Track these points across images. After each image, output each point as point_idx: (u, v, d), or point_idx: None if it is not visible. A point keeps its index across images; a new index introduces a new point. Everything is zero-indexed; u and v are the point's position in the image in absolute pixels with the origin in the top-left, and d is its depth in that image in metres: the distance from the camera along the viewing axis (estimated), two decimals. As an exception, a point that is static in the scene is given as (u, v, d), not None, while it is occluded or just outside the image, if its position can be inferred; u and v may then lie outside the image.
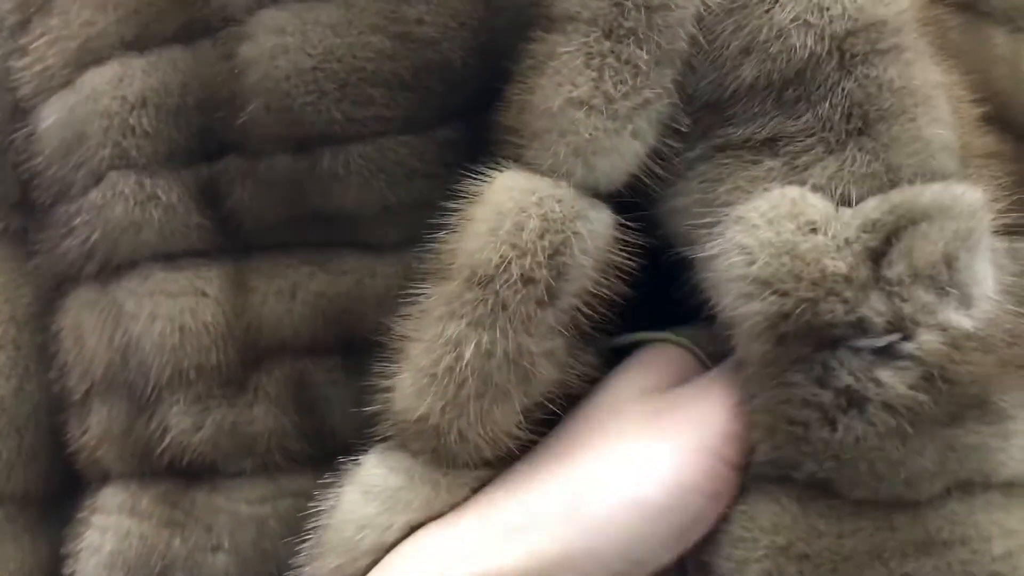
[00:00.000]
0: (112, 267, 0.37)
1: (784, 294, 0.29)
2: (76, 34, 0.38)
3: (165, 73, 0.36)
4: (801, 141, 0.31)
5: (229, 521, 0.36)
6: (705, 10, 0.31)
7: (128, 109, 0.36)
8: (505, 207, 0.31)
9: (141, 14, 0.36)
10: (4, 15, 0.42)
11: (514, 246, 0.30)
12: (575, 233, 0.31)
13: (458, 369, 0.30)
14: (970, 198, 0.30)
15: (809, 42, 0.31)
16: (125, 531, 0.37)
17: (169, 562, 0.36)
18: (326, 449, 0.35)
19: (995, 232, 0.31)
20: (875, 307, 0.29)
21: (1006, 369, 0.30)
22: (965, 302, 0.29)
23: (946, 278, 0.29)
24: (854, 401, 0.29)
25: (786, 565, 0.29)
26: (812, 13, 0.31)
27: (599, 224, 0.31)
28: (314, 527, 0.34)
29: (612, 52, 0.31)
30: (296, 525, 0.35)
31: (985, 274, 0.30)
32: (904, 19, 0.32)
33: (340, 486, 0.33)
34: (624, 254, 0.32)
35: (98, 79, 0.37)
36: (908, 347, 0.28)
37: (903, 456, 0.29)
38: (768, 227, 0.29)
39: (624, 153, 0.31)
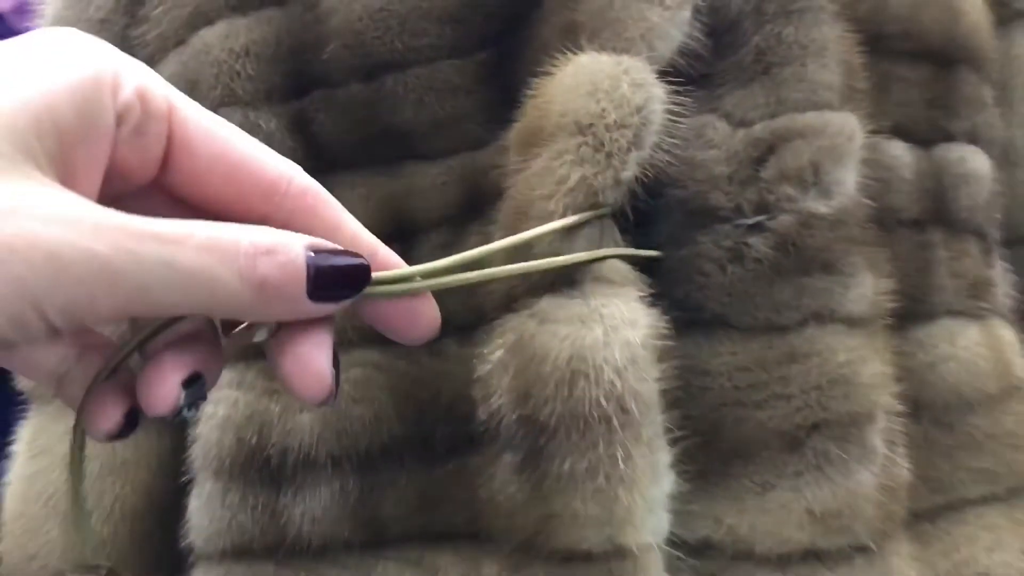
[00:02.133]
0: None
1: (684, 187, 0.40)
2: (188, 3, 0.46)
3: (263, 29, 0.44)
4: (723, 77, 0.41)
5: None
6: None
7: (234, 58, 0.44)
8: (598, 75, 0.38)
9: None
10: None
11: (611, 100, 0.37)
12: (655, 95, 0.38)
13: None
14: (840, 122, 0.41)
15: (739, 2, 0.41)
16: (234, 400, 0.45)
17: (267, 421, 0.44)
18: None
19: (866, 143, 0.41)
20: (749, 198, 0.40)
21: (852, 243, 0.41)
22: (824, 195, 0.40)
23: (811, 179, 0.40)
24: (736, 256, 0.40)
25: (692, 378, 0.39)
26: None
27: (661, 93, 0.38)
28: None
29: None
30: (363, 388, 0.43)
31: (846, 178, 0.40)
32: None
33: None
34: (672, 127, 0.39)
35: (209, 36, 0.45)
36: (770, 224, 0.40)
37: (771, 292, 0.40)
38: (683, 145, 0.40)
39: (672, 38, 0.39)
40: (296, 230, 0.26)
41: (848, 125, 0.41)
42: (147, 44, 0.48)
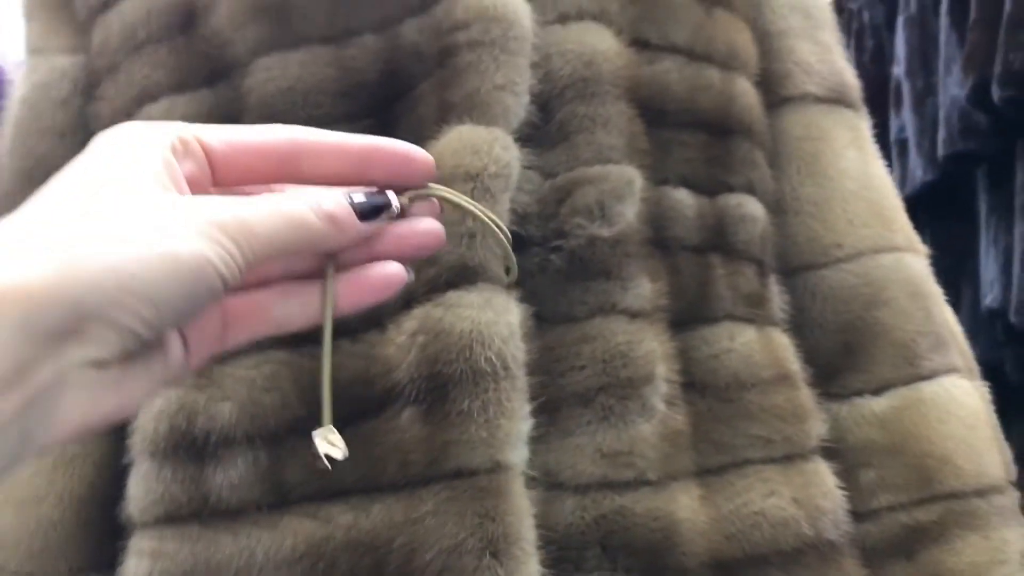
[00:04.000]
0: None
1: (512, 223, 0.54)
2: (138, 84, 0.59)
3: (198, 105, 0.58)
4: (539, 142, 0.56)
5: (232, 381, 0.54)
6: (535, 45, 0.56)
7: None
8: (476, 141, 0.52)
9: (182, 68, 0.58)
10: (77, 79, 0.63)
11: (490, 158, 0.52)
12: (515, 155, 0.53)
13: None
14: (620, 172, 0.57)
15: (548, 88, 0.56)
16: (167, 395, 0.56)
17: (195, 410, 0.55)
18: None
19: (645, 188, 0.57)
20: (552, 227, 0.55)
21: (630, 257, 0.56)
22: (609, 223, 0.55)
23: (598, 213, 0.55)
24: (542, 269, 0.55)
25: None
26: (555, 72, 0.56)
27: (518, 154, 0.54)
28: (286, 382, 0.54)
29: (506, 63, 0.54)
30: (272, 380, 0.54)
31: (625, 211, 0.56)
32: (603, 78, 0.57)
33: None
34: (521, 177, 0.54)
35: (153, 110, 0.58)
36: (564, 245, 0.55)
37: (565, 292, 0.55)
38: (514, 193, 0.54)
39: (519, 116, 0.54)
40: (307, 164, 0.37)
41: (627, 174, 0.56)
42: (102, 118, 0.61)
